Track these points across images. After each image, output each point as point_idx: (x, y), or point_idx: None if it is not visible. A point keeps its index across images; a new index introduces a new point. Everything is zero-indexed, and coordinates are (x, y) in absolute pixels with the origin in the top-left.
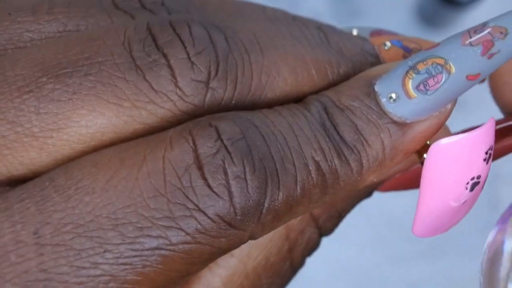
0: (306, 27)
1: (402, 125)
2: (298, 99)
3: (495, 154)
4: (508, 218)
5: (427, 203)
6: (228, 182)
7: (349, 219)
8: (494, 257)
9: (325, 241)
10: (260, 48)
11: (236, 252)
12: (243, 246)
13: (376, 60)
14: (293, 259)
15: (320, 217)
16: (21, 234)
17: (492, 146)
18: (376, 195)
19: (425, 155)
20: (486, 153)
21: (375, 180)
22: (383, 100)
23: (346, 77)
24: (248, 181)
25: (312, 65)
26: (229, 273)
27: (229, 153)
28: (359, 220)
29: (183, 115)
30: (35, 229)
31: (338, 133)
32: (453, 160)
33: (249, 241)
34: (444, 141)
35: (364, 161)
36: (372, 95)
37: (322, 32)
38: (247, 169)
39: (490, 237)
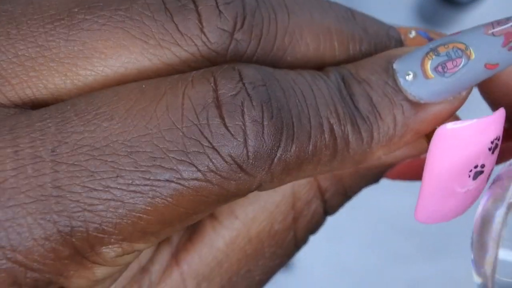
0: (336, 4)
1: (416, 105)
2: (317, 68)
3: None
4: (499, 181)
5: (430, 187)
6: (244, 124)
7: (349, 219)
8: (485, 220)
9: (325, 240)
10: (287, 10)
11: (241, 214)
12: (249, 209)
13: (400, 46)
14: (297, 231)
15: (327, 191)
16: (39, 150)
17: (499, 136)
18: (376, 194)
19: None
20: (492, 142)
21: (383, 156)
22: (400, 77)
23: (367, 55)
24: (265, 127)
25: (335, 36)
26: (233, 235)
27: (249, 96)
28: (359, 220)
29: (205, 61)
30: (53, 147)
31: (353, 102)
32: (458, 145)
33: (254, 205)
34: (450, 125)
35: (375, 133)
36: (390, 72)
37: (350, 10)
38: (265, 115)
39: (482, 201)
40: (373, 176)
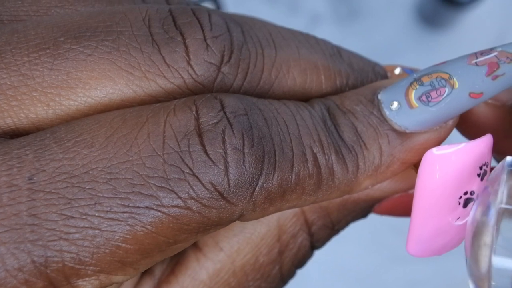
0: (321, 40)
1: (401, 134)
2: (304, 101)
3: None
4: (488, 188)
5: (420, 215)
6: (225, 152)
7: None
8: (476, 228)
9: None
10: (274, 45)
11: (225, 246)
12: (233, 241)
13: None
14: (283, 265)
15: (314, 224)
16: (16, 178)
17: (487, 162)
18: None
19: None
20: (481, 168)
21: (370, 186)
22: (385, 108)
23: (353, 89)
24: (246, 155)
25: (322, 71)
26: (217, 267)
27: (230, 124)
28: (358, 220)
29: (190, 94)
30: (30, 175)
31: (338, 132)
32: (446, 170)
33: (239, 237)
34: (437, 150)
35: (360, 163)
36: (376, 102)
37: (336, 47)
38: (246, 143)
39: (472, 209)
40: (361, 211)
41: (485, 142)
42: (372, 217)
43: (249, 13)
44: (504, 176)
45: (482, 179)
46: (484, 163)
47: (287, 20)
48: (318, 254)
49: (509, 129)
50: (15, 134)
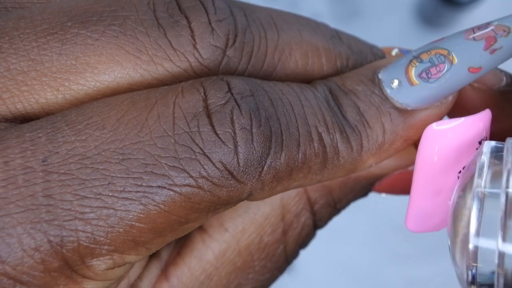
0: (323, 24)
1: (403, 112)
2: (306, 83)
3: None
4: (468, 170)
5: (419, 190)
6: (234, 132)
7: (349, 219)
8: (456, 210)
9: (325, 240)
10: (276, 28)
11: (230, 227)
12: (238, 221)
13: None
14: (287, 244)
15: (317, 203)
16: (30, 160)
17: (486, 137)
18: (376, 194)
19: None
20: (480, 143)
21: (374, 165)
22: (386, 86)
23: (353, 70)
24: (254, 134)
25: (323, 53)
26: (222, 247)
27: (238, 105)
28: (359, 219)
29: (196, 77)
30: (44, 157)
31: (341, 112)
32: (445, 145)
33: (244, 217)
34: (437, 125)
35: (364, 142)
36: (376, 81)
37: (335, 31)
38: (253, 123)
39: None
40: (362, 189)
41: (484, 117)
42: (373, 216)
43: None
44: (484, 159)
45: None
46: (483, 138)
47: None
48: (319, 252)
49: (495, 113)
50: (25, 119)
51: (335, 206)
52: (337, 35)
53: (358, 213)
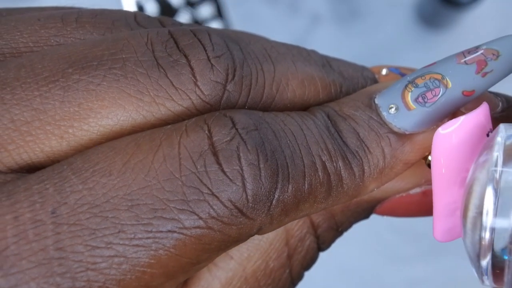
0: (312, 52)
1: (401, 136)
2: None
3: None
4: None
5: (441, 196)
6: (242, 169)
7: None
8: (470, 188)
9: None
10: (271, 60)
11: (235, 254)
12: (243, 249)
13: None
14: (292, 268)
15: (320, 226)
16: (39, 213)
17: (491, 128)
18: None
19: (430, 157)
20: (488, 135)
21: (375, 189)
22: (384, 111)
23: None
24: (262, 170)
25: (318, 81)
26: (228, 275)
27: (243, 141)
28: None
29: (198, 114)
30: (53, 209)
31: (341, 138)
32: (457, 145)
33: (248, 244)
34: (442, 129)
35: (366, 167)
36: (373, 107)
37: (325, 57)
38: (260, 158)
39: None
40: (364, 211)
41: (483, 110)
42: (373, 217)
43: (249, 13)
44: (499, 140)
45: None
46: (489, 130)
47: (287, 20)
48: (319, 254)
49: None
50: (31, 168)
51: (338, 229)
52: (327, 63)
53: None
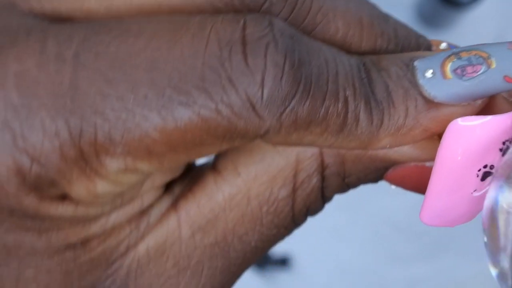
0: (372, 3)
1: (429, 102)
2: None
3: None
4: (504, 168)
5: (438, 183)
6: (265, 65)
7: (349, 219)
8: (493, 208)
9: (325, 240)
10: None
11: (243, 171)
12: (251, 167)
13: None
14: (295, 204)
15: (328, 168)
16: (64, 51)
17: (511, 138)
18: (376, 194)
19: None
20: (504, 143)
21: (387, 146)
22: (419, 74)
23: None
24: (284, 73)
25: (365, 29)
26: (233, 191)
27: (275, 41)
28: (359, 220)
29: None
30: (77, 52)
31: (370, 86)
32: (469, 142)
33: (258, 165)
34: (463, 120)
35: (385, 119)
36: (410, 67)
37: (385, 13)
38: (287, 62)
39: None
40: (375, 170)
41: (510, 117)
42: (372, 216)
43: None
44: None
45: (503, 154)
46: (508, 139)
47: None
48: (319, 252)
49: None
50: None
51: (344, 179)
52: (385, 17)
53: (358, 213)
